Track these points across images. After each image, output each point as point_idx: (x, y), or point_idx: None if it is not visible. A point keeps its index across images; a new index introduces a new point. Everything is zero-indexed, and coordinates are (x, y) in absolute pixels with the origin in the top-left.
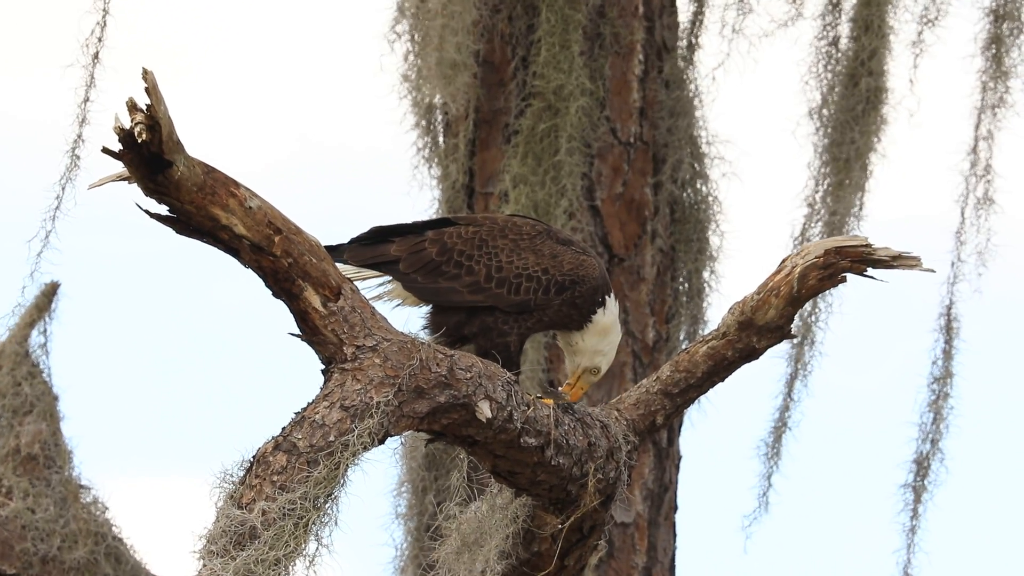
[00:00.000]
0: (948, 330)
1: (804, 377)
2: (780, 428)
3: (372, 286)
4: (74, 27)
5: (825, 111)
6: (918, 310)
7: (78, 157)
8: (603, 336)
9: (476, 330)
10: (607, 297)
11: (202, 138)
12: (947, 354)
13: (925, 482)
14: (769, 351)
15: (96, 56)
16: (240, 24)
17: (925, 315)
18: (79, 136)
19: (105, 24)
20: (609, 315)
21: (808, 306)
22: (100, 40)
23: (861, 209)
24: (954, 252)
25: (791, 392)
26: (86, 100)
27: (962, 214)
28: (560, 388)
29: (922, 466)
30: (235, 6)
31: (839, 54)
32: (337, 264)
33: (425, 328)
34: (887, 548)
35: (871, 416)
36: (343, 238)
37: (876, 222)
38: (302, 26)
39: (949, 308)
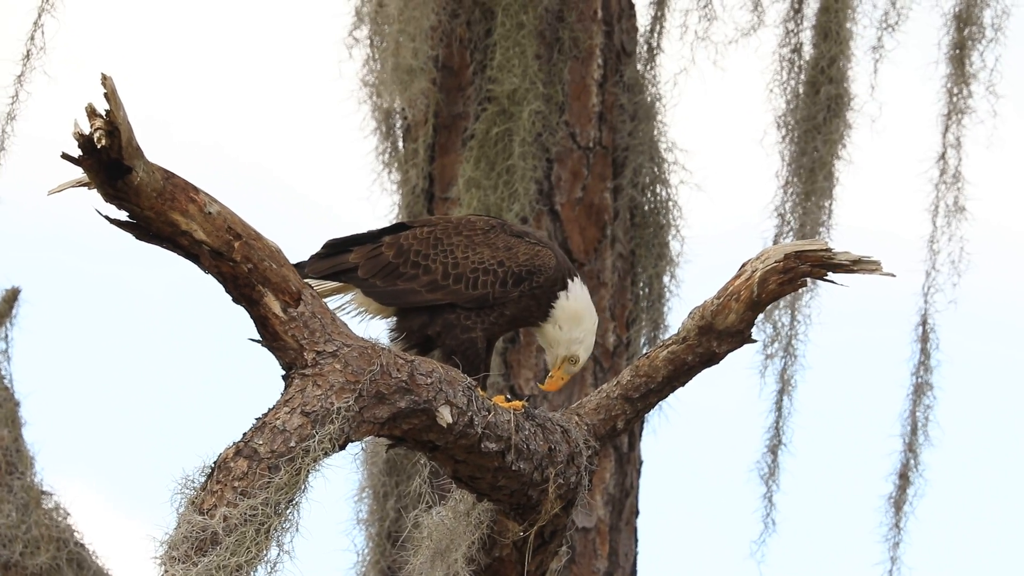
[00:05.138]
0: (924, 340)
1: (789, 392)
2: (775, 446)
3: (334, 298)
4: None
5: (790, 119)
6: (896, 321)
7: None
8: (576, 323)
9: (440, 329)
10: (570, 281)
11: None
12: (924, 365)
13: (906, 494)
14: (744, 364)
15: (28, 55)
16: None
17: (904, 326)
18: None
19: (40, 21)
20: (576, 300)
21: (787, 320)
22: (33, 39)
23: (830, 217)
24: (928, 262)
25: (780, 407)
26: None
27: (933, 223)
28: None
29: (904, 478)
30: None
31: (802, 61)
32: None
33: (391, 334)
34: (870, 561)
35: (852, 429)
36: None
37: (847, 231)
38: (259, 33)
39: (924, 318)
